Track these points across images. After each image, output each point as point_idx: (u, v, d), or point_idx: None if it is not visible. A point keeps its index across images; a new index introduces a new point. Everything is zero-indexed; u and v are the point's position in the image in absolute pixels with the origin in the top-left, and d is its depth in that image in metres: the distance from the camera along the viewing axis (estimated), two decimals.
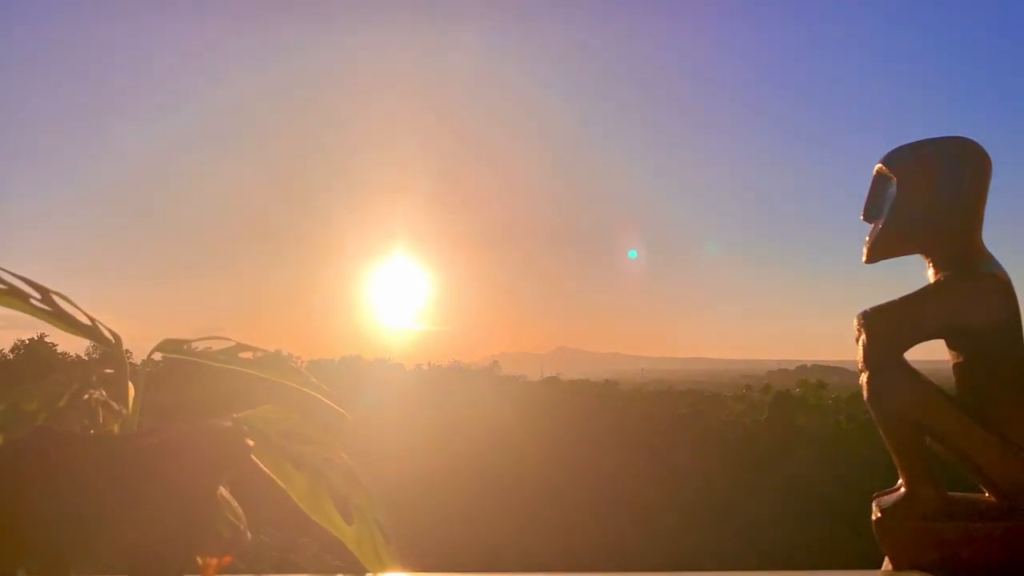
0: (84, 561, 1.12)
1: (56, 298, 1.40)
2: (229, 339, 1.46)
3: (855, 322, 1.84)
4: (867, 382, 1.79)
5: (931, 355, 1.88)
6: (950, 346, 1.79)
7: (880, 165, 1.87)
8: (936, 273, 1.80)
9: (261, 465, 1.39)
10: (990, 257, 1.77)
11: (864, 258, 1.87)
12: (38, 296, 1.39)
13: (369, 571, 1.46)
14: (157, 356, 1.43)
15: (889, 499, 1.79)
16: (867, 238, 1.88)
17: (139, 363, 1.46)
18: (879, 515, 1.77)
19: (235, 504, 1.40)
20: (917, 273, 1.84)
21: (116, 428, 1.38)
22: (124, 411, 1.38)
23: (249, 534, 1.39)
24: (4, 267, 1.41)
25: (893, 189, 1.83)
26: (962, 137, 1.82)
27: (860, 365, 1.82)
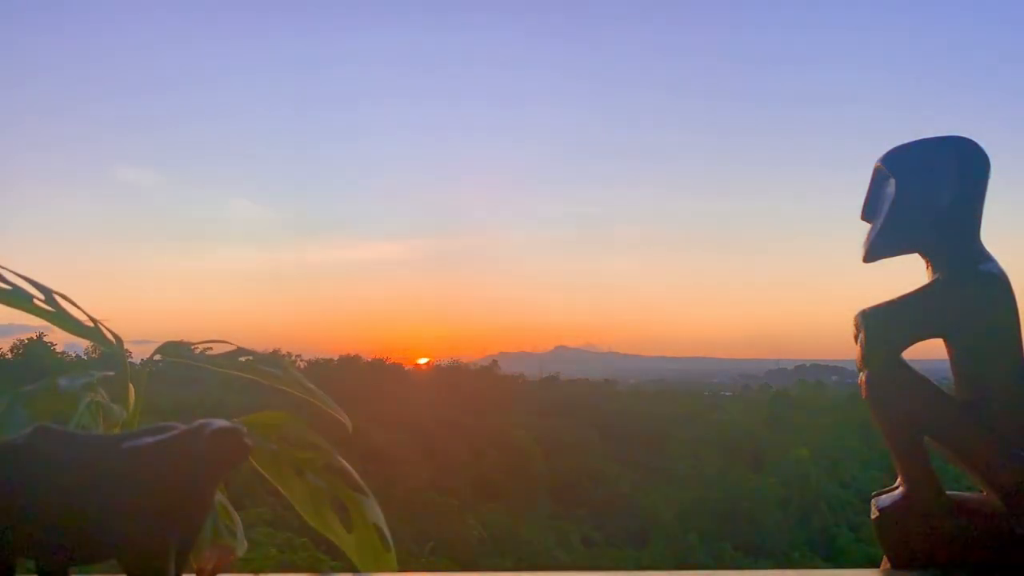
0: (82, 561, 1.12)
1: (59, 299, 1.40)
2: (230, 342, 1.46)
3: (854, 321, 1.84)
4: (866, 381, 1.79)
5: (931, 355, 1.88)
6: (949, 346, 1.79)
7: (879, 164, 1.87)
8: (935, 273, 1.80)
9: (261, 469, 1.40)
10: (989, 257, 1.77)
11: (862, 258, 1.87)
12: (41, 297, 1.39)
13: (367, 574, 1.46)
14: (157, 358, 1.44)
15: (888, 498, 1.78)
16: (865, 237, 1.88)
17: (139, 364, 1.46)
18: (878, 514, 1.77)
19: (232, 509, 1.41)
20: (917, 273, 1.84)
21: (116, 429, 1.38)
22: (124, 412, 1.39)
23: (246, 542, 1.39)
24: (7, 267, 1.42)
25: (892, 188, 1.83)
26: (961, 136, 1.82)
27: (859, 364, 1.82)
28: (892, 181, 1.83)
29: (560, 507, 22.54)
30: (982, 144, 1.80)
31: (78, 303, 1.41)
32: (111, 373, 1.41)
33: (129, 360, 1.41)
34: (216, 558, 1.29)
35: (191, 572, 1.26)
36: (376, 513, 1.43)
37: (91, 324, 1.41)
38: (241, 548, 1.39)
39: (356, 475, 1.44)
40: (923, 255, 1.83)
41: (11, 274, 1.39)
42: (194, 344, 1.46)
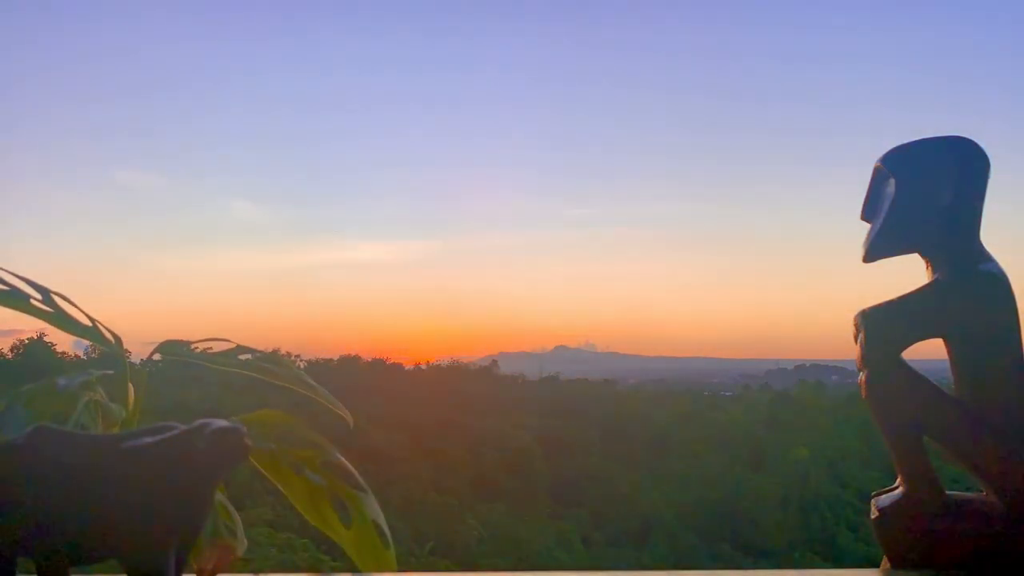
0: (82, 561, 1.12)
1: (57, 299, 1.40)
2: (229, 341, 1.47)
3: (854, 321, 1.84)
4: (865, 381, 1.79)
5: (931, 355, 1.88)
6: (949, 346, 1.79)
7: (879, 163, 1.87)
8: (935, 273, 1.80)
9: (260, 468, 1.40)
10: (989, 257, 1.77)
11: (862, 258, 1.87)
12: (39, 297, 1.39)
13: (367, 574, 1.46)
14: (157, 357, 1.44)
15: (888, 498, 1.79)
16: (865, 237, 1.88)
17: (139, 364, 1.46)
18: (878, 514, 1.77)
19: (231, 508, 1.41)
20: (916, 273, 1.84)
21: (116, 429, 1.38)
22: (123, 412, 1.39)
23: (246, 542, 1.39)
24: (5, 268, 1.42)
25: (892, 188, 1.83)
26: (961, 137, 1.82)
27: (859, 364, 1.82)
28: (892, 181, 1.84)
29: (560, 507, 22.53)
30: (982, 144, 1.80)
31: (78, 303, 1.41)
32: (110, 372, 1.41)
33: (128, 359, 1.41)
34: (216, 558, 1.29)
35: (191, 572, 1.26)
36: (375, 510, 1.43)
37: (89, 324, 1.41)
38: (241, 548, 1.39)
39: (355, 472, 1.44)
40: (923, 255, 1.83)
41: (8, 275, 1.39)
42: (194, 343, 1.46)
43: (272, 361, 1.47)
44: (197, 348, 1.45)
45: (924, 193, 1.80)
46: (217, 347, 1.46)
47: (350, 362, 30.65)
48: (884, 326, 1.79)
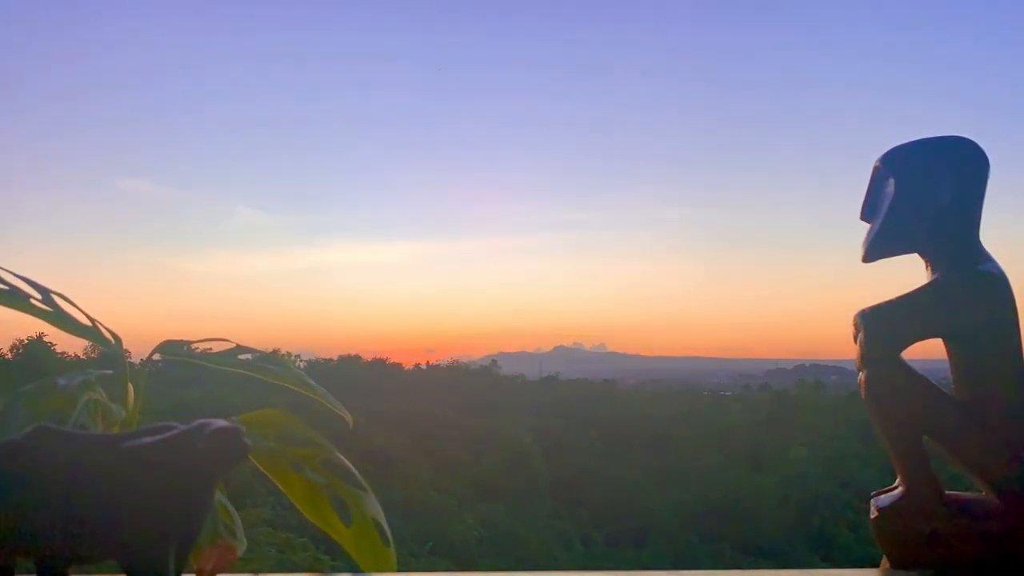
0: (82, 561, 1.12)
1: (56, 298, 1.40)
2: (229, 341, 1.47)
3: (853, 321, 1.84)
4: (865, 381, 1.80)
5: (930, 355, 1.88)
6: (949, 346, 1.80)
7: (878, 163, 1.87)
8: (934, 273, 1.80)
9: (260, 467, 1.40)
10: (988, 257, 1.77)
11: (862, 258, 1.87)
12: (39, 296, 1.39)
13: (367, 573, 1.46)
14: (157, 357, 1.44)
15: (887, 498, 1.79)
16: (865, 237, 1.89)
17: (138, 364, 1.46)
18: (877, 514, 1.77)
19: (232, 509, 1.41)
20: (916, 272, 1.84)
21: (115, 428, 1.38)
22: (123, 412, 1.39)
23: (246, 542, 1.39)
24: (5, 267, 1.42)
25: (891, 188, 1.84)
26: (960, 136, 1.82)
27: (858, 364, 1.82)
28: (891, 181, 1.84)
29: (560, 507, 22.52)
30: (982, 144, 1.80)
31: (78, 303, 1.41)
32: (109, 372, 1.41)
33: (128, 359, 1.41)
34: (216, 558, 1.29)
35: (191, 572, 1.26)
36: (376, 509, 1.43)
37: (89, 324, 1.41)
38: (241, 548, 1.39)
39: (355, 471, 1.44)
40: (922, 255, 1.84)
41: (8, 274, 1.39)
42: (194, 343, 1.46)
43: (272, 361, 1.48)
44: (197, 348, 1.45)
45: (923, 193, 1.80)
46: (217, 347, 1.46)
47: (350, 362, 30.60)
48: (884, 326, 1.79)
